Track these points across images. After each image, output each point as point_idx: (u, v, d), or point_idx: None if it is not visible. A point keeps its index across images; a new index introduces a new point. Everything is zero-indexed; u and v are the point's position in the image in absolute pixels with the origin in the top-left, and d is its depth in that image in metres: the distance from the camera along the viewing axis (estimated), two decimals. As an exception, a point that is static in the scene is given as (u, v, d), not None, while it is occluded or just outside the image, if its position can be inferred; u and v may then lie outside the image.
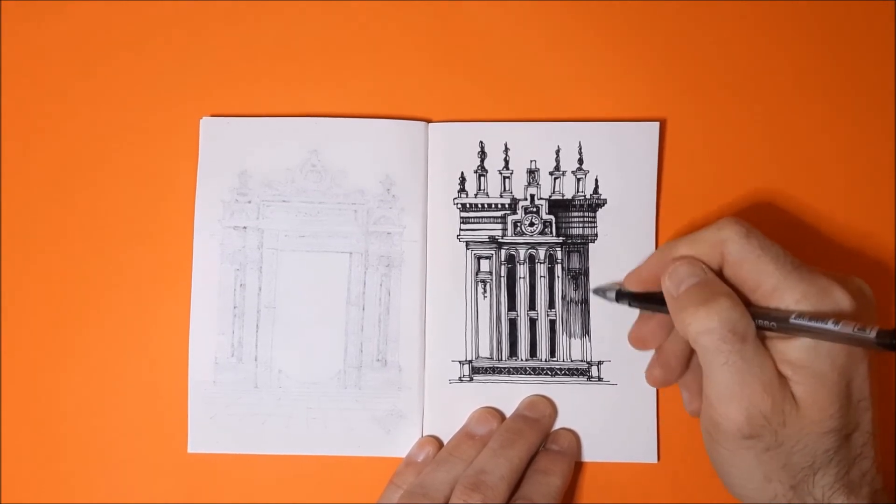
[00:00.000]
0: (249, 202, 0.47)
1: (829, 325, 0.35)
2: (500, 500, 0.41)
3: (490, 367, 0.46)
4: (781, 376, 0.36)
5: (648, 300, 0.42)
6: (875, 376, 0.38)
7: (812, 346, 0.36)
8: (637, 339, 0.44)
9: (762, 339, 0.37)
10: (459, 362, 0.46)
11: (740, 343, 0.36)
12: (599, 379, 0.46)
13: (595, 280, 0.46)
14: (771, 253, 0.37)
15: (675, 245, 0.40)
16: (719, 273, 0.39)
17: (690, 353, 0.42)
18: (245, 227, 0.47)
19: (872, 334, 0.34)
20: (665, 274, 0.39)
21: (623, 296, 0.44)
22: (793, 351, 0.36)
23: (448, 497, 0.41)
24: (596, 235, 0.46)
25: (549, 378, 0.46)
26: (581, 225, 0.46)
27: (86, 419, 0.46)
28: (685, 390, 0.44)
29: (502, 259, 0.47)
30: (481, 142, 0.47)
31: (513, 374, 0.46)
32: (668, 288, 0.39)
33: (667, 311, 0.40)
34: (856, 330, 0.34)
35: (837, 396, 0.36)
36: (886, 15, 0.47)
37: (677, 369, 0.42)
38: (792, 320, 0.36)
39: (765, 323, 0.37)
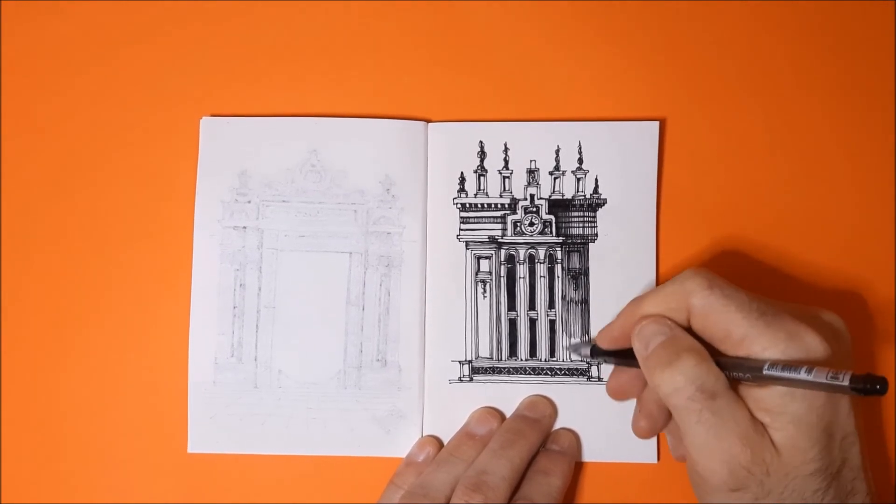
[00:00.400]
0: (249, 202, 0.47)
1: (802, 375, 0.34)
2: (502, 501, 0.41)
3: (490, 367, 0.46)
4: (758, 425, 0.36)
5: (621, 356, 0.42)
6: (860, 410, 0.38)
7: (787, 391, 0.36)
8: (615, 392, 0.44)
9: (736, 387, 0.37)
10: (459, 362, 0.46)
11: (710, 400, 0.36)
12: (599, 379, 0.46)
13: (595, 280, 0.46)
14: (735, 302, 0.37)
15: (641, 302, 0.40)
16: (688, 326, 0.39)
17: None
18: (245, 227, 0.47)
19: (846, 381, 0.33)
20: (633, 334, 0.40)
21: (597, 353, 0.43)
22: (769, 397, 0.36)
23: (449, 497, 0.41)
24: (596, 235, 0.46)
25: (549, 378, 0.46)
26: (581, 225, 0.46)
27: (86, 419, 0.46)
28: (670, 436, 0.44)
29: (502, 259, 0.47)
30: (481, 142, 0.47)
31: (513, 374, 0.46)
32: (638, 349, 0.39)
33: (639, 367, 0.40)
34: (829, 378, 0.34)
35: (818, 438, 0.36)
36: (886, 15, 0.47)
37: (660, 419, 0.42)
38: (765, 371, 0.35)
39: (738, 375, 0.36)
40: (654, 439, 0.45)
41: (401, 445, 0.46)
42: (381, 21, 0.48)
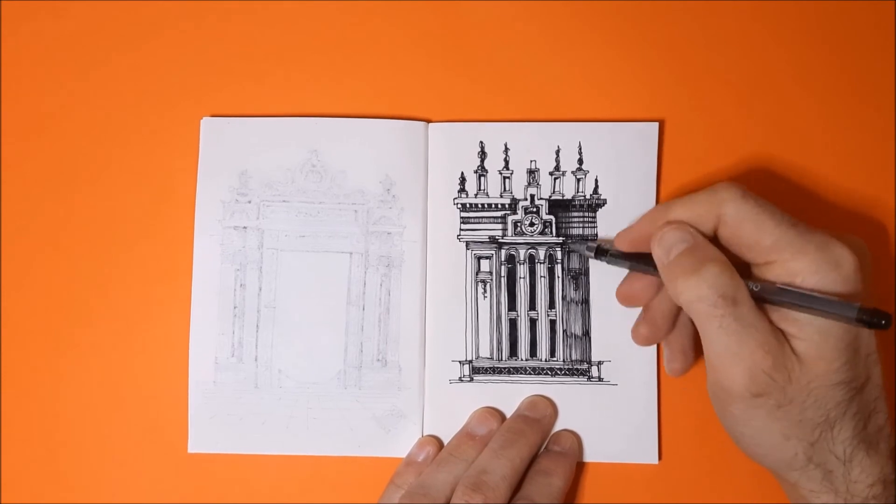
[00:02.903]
0: (249, 202, 0.47)
1: (814, 298, 0.36)
2: (502, 501, 0.41)
3: (490, 367, 0.46)
4: (779, 334, 0.37)
5: (638, 260, 0.42)
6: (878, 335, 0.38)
7: None
8: (625, 297, 0.44)
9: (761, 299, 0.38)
10: (459, 362, 0.46)
11: (732, 306, 0.37)
12: (600, 379, 0.46)
13: (595, 280, 0.46)
14: (768, 211, 0.38)
15: (670, 206, 0.40)
16: (714, 236, 0.39)
17: (677, 312, 0.43)
18: (245, 228, 0.47)
19: (853, 312, 0.35)
20: (654, 240, 0.40)
21: (602, 252, 0.43)
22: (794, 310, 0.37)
23: (449, 497, 0.41)
24: (596, 235, 0.46)
25: (549, 378, 0.46)
26: (581, 225, 0.46)
27: (86, 419, 0.46)
28: (667, 348, 0.44)
29: (502, 259, 0.47)
30: (481, 142, 0.47)
31: (513, 374, 0.46)
32: (658, 255, 0.40)
33: (654, 272, 0.40)
34: (838, 305, 0.35)
35: (844, 349, 0.36)
36: (886, 15, 0.47)
37: (664, 328, 0.42)
38: (778, 285, 0.36)
39: (753, 288, 0.37)
40: (655, 438, 0.45)
41: (401, 445, 0.46)
42: (381, 21, 0.48)
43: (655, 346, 0.45)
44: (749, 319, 0.37)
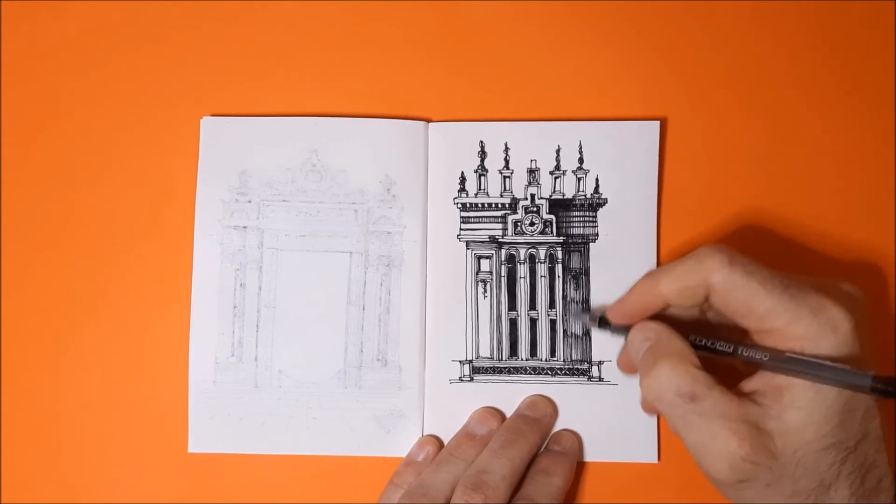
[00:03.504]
0: (249, 202, 0.47)
1: (823, 369, 0.35)
2: (502, 500, 0.41)
3: (490, 367, 0.46)
4: (752, 413, 0.36)
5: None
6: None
7: None
8: (625, 366, 0.44)
9: (756, 367, 0.37)
10: (460, 362, 0.46)
11: (691, 403, 0.36)
12: (600, 379, 0.46)
13: (595, 280, 0.46)
14: (757, 277, 0.37)
15: (659, 279, 0.39)
16: (706, 303, 0.39)
17: None
18: (245, 227, 0.47)
19: (867, 380, 0.34)
20: (627, 346, 0.40)
21: (605, 323, 0.43)
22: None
23: (449, 497, 0.41)
24: (596, 235, 0.46)
25: (549, 378, 0.46)
26: (581, 224, 0.46)
27: (86, 419, 0.46)
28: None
29: (503, 259, 0.47)
30: (481, 141, 0.47)
31: (513, 373, 0.46)
32: (633, 358, 0.40)
33: None
34: (850, 376, 0.34)
35: (839, 412, 0.35)
36: (886, 15, 0.47)
37: None
38: (787, 357, 0.36)
39: (756, 359, 0.37)
40: (655, 438, 0.45)
41: (401, 445, 0.46)
42: (381, 21, 0.48)
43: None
44: (715, 411, 0.36)
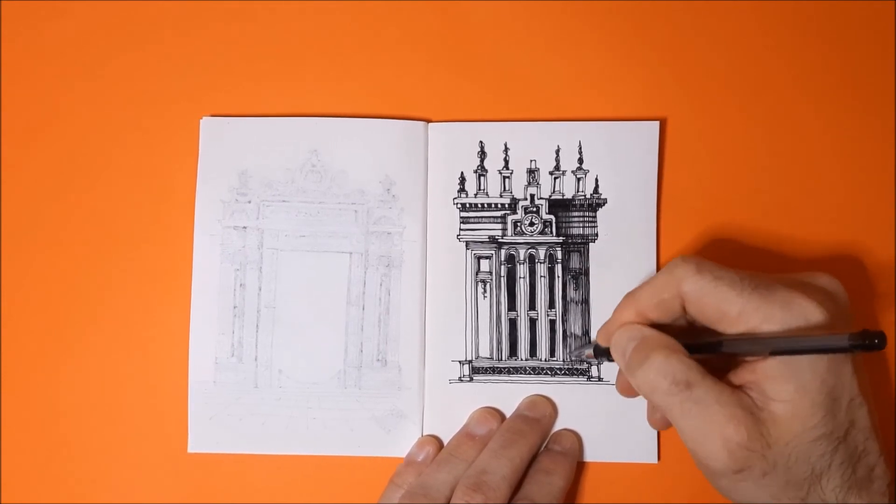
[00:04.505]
0: (249, 202, 0.47)
1: (801, 342, 0.35)
2: (502, 501, 0.41)
3: (490, 367, 0.46)
4: (747, 402, 0.36)
5: None
6: (865, 371, 0.38)
7: (788, 361, 0.36)
8: (624, 389, 0.44)
9: (738, 365, 0.37)
10: (459, 362, 0.46)
11: (687, 390, 0.36)
12: (599, 379, 0.46)
13: (595, 280, 0.46)
14: (726, 281, 0.37)
15: (636, 295, 0.40)
16: (683, 314, 0.39)
17: None
18: (245, 227, 0.47)
19: (844, 341, 0.33)
20: (611, 348, 0.40)
21: (600, 352, 0.43)
22: (773, 368, 0.36)
23: (449, 497, 0.41)
24: (596, 235, 0.46)
25: (549, 378, 0.46)
26: (581, 225, 0.46)
27: (86, 419, 0.46)
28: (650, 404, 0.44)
29: (502, 259, 0.47)
30: (481, 142, 0.47)
31: (513, 373, 0.46)
32: (618, 359, 0.40)
33: None
34: (827, 339, 0.34)
35: (822, 403, 0.36)
36: (886, 15, 0.47)
37: None
38: (764, 343, 0.36)
39: (739, 351, 0.37)
40: (655, 438, 0.45)
41: (401, 445, 0.46)
42: (381, 21, 0.48)
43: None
44: (710, 397, 0.36)
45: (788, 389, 0.36)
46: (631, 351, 0.39)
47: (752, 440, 0.36)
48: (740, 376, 0.37)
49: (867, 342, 0.33)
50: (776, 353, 0.36)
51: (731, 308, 0.37)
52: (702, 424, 0.36)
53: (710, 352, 0.38)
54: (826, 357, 0.36)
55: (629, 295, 0.40)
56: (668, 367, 0.37)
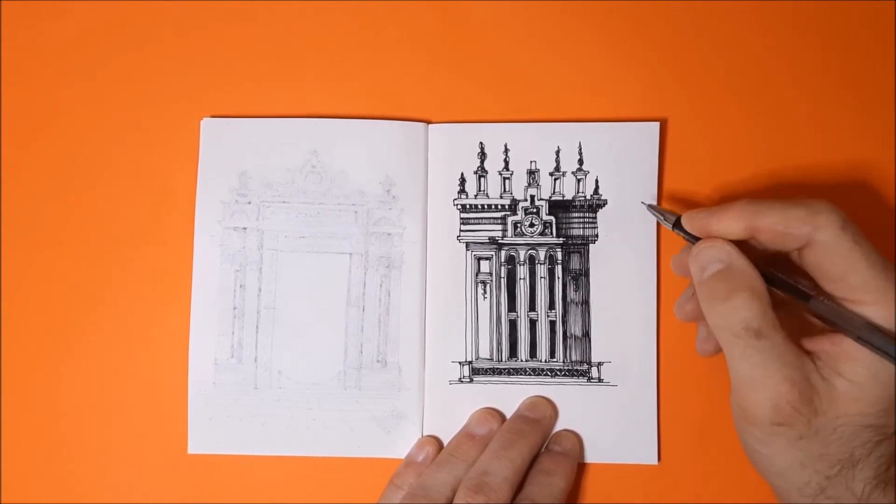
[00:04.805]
0: (249, 203, 0.47)
1: (890, 347, 0.34)
2: (504, 502, 0.41)
3: (490, 368, 0.46)
4: (811, 369, 0.36)
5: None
6: None
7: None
8: (678, 265, 0.43)
9: (817, 332, 0.37)
10: (459, 363, 0.46)
11: (755, 339, 0.36)
12: (600, 380, 0.46)
13: (595, 281, 0.46)
14: (863, 249, 0.36)
15: (761, 210, 0.37)
16: (796, 252, 0.38)
17: None
18: (245, 228, 0.47)
19: None
20: (691, 254, 0.39)
21: (679, 226, 0.41)
22: (856, 348, 0.36)
23: (450, 498, 0.42)
24: (596, 236, 0.46)
25: (549, 379, 0.46)
26: (581, 226, 0.46)
27: (86, 419, 0.46)
28: (703, 327, 0.43)
29: (502, 260, 0.47)
30: (481, 143, 0.47)
31: (513, 374, 0.46)
32: (694, 271, 0.39)
33: None
34: None
35: (886, 398, 0.36)
36: (886, 15, 0.47)
37: None
38: (856, 326, 0.35)
39: (829, 313, 0.36)
40: (655, 439, 0.45)
41: (401, 446, 0.46)
42: (381, 21, 0.48)
43: (656, 346, 0.45)
44: (774, 352, 0.36)
45: (861, 373, 0.36)
46: (713, 274, 0.38)
47: (803, 403, 0.36)
48: (817, 343, 0.37)
49: None
50: (863, 340, 0.35)
51: (856, 276, 0.36)
52: (758, 375, 0.36)
53: (797, 297, 0.37)
54: None
55: (753, 205, 0.38)
56: (746, 312, 0.36)
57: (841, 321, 0.36)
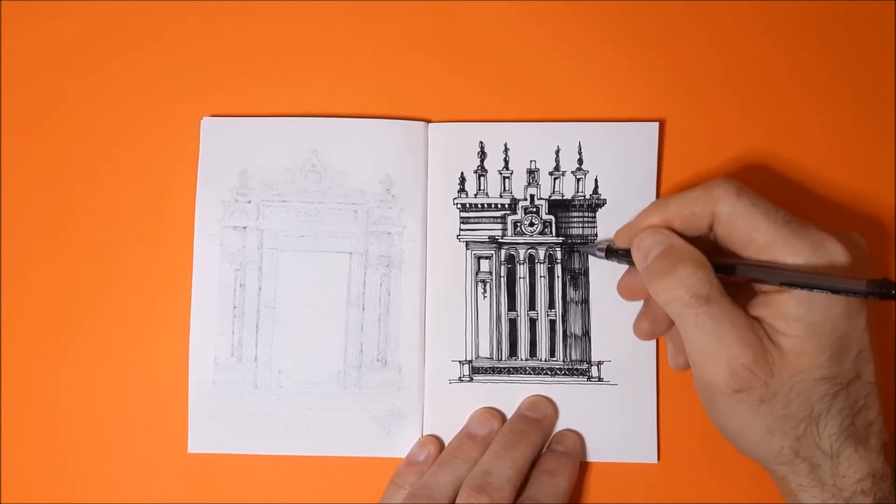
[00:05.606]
0: (249, 202, 0.47)
1: (821, 280, 0.35)
2: (507, 502, 0.41)
3: (490, 367, 0.46)
4: (759, 330, 0.37)
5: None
6: (873, 329, 0.38)
7: (807, 298, 0.36)
8: (626, 290, 0.44)
9: (754, 292, 0.38)
10: (459, 362, 0.46)
11: (705, 304, 0.37)
12: (599, 379, 0.46)
13: (595, 280, 0.46)
14: (762, 209, 0.38)
15: (667, 203, 0.40)
16: (710, 231, 0.40)
17: None
18: (245, 227, 0.47)
19: (862, 286, 0.34)
20: (633, 245, 0.40)
21: (612, 252, 0.43)
22: (784, 303, 0.37)
23: (452, 498, 0.41)
24: (596, 236, 0.46)
25: (549, 378, 0.46)
26: (581, 225, 0.46)
27: (86, 419, 0.46)
28: (671, 343, 0.44)
29: (502, 259, 0.47)
30: (481, 142, 0.47)
31: (513, 374, 0.46)
32: (638, 260, 0.40)
33: None
34: (846, 282, 0.35)
35: (829, 346, 0.36)
36: (886, 15, 0.47)
37: (664, 322, 0.43)
38: (785, 274, 0.36)
39: (758, 277, 0.37)
40: (655, 438, 0.45)
41: (401, 445, 0.46)
42: (381, 21, 0.48)
43: (655, 345, 0.46)
44: (725, 316, 0.37)
45: (798, 327, 0.37)
46: (656, 256, 0.39)
47: (757, 365, 0.36)
48: (755, 309, 0.38)
49: (884, 290, 0.34)
50: (788, 284, 0.36)
51: (761, 237, 0.38)
52: (711, 340, 0.37)
53: (725, 273, 0.39)
54: (842, 304, 0.36)
55: (659, 201, 0.41)
56: (693, 280, 0.37)
57: (765, 276, 0.37)
